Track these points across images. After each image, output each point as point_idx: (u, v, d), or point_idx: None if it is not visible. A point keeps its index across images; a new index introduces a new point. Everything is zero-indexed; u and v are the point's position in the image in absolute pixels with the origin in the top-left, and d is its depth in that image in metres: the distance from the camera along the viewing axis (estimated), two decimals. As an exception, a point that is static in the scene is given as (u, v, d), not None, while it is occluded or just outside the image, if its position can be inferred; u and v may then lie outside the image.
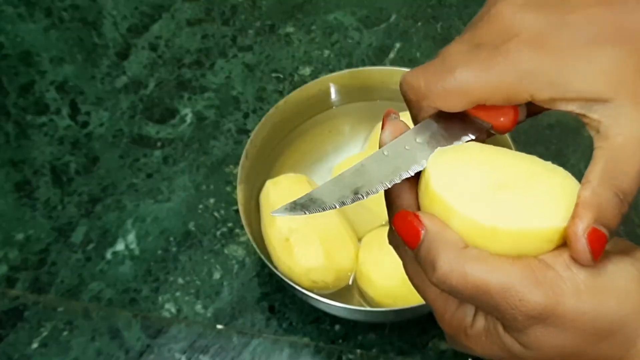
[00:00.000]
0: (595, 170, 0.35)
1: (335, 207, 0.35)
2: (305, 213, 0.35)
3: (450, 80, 0.36)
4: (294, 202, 0.35)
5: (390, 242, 0.39)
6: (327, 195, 0.35)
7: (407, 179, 0.37)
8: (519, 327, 0.33)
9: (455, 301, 0.36)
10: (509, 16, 0.36)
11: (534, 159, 0.38)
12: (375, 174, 0.37)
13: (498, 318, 0.34)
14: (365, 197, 0.36)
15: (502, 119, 0.37)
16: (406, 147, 0.38)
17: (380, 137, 0.38)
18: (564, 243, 0.34)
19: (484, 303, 0.33)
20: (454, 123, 0.38)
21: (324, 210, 0.35)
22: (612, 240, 0.35)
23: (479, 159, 0.36)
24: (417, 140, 0.38)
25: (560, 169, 0.37)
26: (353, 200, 0.35)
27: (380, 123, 0.75)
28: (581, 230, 0.33)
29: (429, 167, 0.36)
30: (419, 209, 0.36)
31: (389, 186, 0.36)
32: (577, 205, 0.34)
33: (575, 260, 0.33)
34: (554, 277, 0.33)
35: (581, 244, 0.33)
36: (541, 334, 0.33)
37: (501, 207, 0.34)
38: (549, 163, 0.37)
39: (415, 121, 0.39)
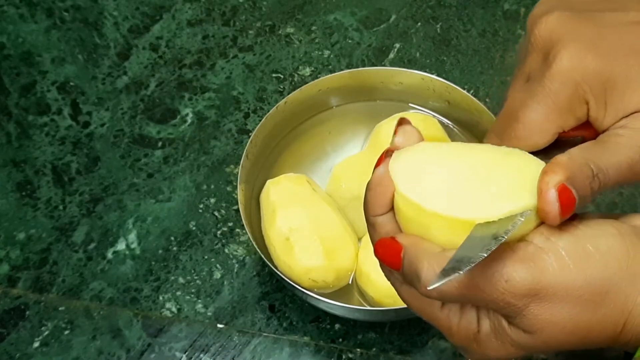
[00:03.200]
0: (582, 146, 0.35)
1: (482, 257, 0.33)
2: (459, 273, 0.32)
3: (519, 128, 0.37)
4: (444, 270, 0.32)
5: (385, 275, 0.39)
6: (472, 250, 0.33)
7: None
8: (516, 311, 0.33)
9: (455, 313, 0.36)
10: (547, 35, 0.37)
11: (488, 147, 0.38)
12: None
13: (496, 310, 0.34)
14: (505, 238, 0.33)
15: (589, 127, 0.38)
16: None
17: (372, 177, 0.37)
18: (541, 222, 0.34)
19: (477, 298, 0.33)
20: (552, 148, 0.38)
21: (474, 264, 0.33)
22: (591, 213, 0.36)
23: (438, 157, 0.37)
24: None
25: (517, 150, 0.37)
26: (496, 244, 0.33)
27: (380, 123, 0.76)
28: (552, 182, 0.33)
29: (392, 172, 0.36)
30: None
31: (522, 220, 0.34)
32: (550, 163, 0.34)
33: (544, 214, 0.33)
34: (534, 250, 0.33)
35: (551, 194, 0.33)
36: (538, 312, 0.33)
37: (469, 199, 0.34)
38: (503, 147, 0.37)
39: None
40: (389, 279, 0.39)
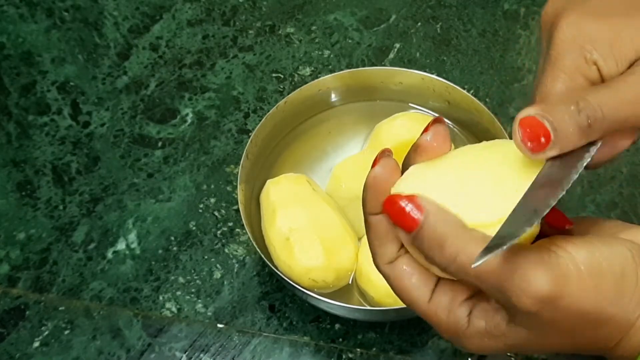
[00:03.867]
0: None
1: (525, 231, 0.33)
2: (503, 249, 0.32)
3: (538, 94, 0.37)
4: (488, 247, 0.32)
5: (375, 262, 0.39)
6: (514, 224, 0.33)
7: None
8: (525, 311, 0.33)
9: (444, 309, 0.36)
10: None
11: (485, 145, 0.38)
12: (544, 193, 0.35)
13: (502, 301, 0.34)
14: (548, 209, 0.34)
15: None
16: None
17: (369, 174, 0.38)
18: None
19: (489, 285, 0.33)
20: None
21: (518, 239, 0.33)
22: (602, 220, 0.36)
23: (441, 172, 0.37)
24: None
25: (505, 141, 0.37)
26: (538, 218, 0.33)
27: (380, 123, 0.76)
28: (523, 114, 0.34)
29: (405, 178, 0.37)
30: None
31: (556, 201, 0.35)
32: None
33: (519, 148, 0.34)
34: (558, 260, 0.33)
35: (515, 125, 0.34)
36: (547, 317, 0.33)
37: (479, 204, 0.34)
38: (496, 141, 0.38)
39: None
40: (377, 266, 0.38)
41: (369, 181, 0.37)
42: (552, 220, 0.36)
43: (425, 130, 0.38)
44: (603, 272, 0.33)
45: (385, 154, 0.38)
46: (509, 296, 0.33)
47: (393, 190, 0.36)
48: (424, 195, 0.35)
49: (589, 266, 0.33)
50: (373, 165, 0.38)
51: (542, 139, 0.34)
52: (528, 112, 0.34)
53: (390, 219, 0.36)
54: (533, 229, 0.34)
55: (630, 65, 0.36)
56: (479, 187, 0.35)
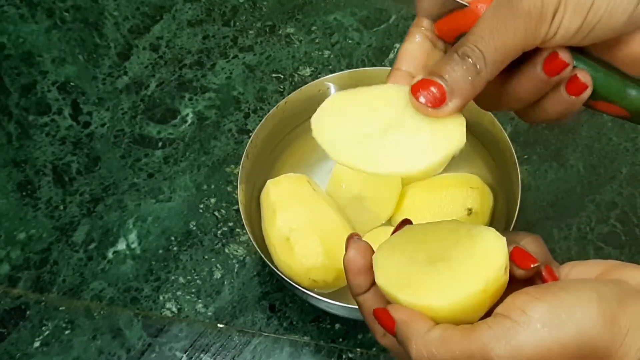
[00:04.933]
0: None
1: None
2: None
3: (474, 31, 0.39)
4: None
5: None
6: None
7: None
8: None
9: None
10: None
11: (459, 225, 0.40)
12: None
13: None
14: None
15: None
16: None
17: (344, 259, 0.41)
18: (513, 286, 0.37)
19: None
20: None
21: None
22: (593, 262, 0.38)
23: (412, 241, 0.40)
24: None
25: (482, 228, 0.39)
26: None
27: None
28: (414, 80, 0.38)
29: (374, 263, 0.40)
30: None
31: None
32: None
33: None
34: (511, 325, 0.34)
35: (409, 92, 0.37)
36: None
37: (436, 284, 0.37)
38: (470, 225, 0.40)
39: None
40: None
41: (345, 265, 0.41)
42: (517, 261, 0.38)
43: (347, 249, 0.42)
44: (563, 322, 0.34)
45: (354, 238, 0.42)
46: None
47: (377, 282, 0.39)
48: (396, 303, 0.39)
49: (547, 320, 0.34)
50: (346, 249, 0.41)
51: (435, 90, 0.37)
52: (416, 79, 0.37)
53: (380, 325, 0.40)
54: (502, 281, 0.36)
55: None
56: (433, 269, 0.38)
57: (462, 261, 0.37)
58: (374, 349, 0.67)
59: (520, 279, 0.38)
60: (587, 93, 0.38)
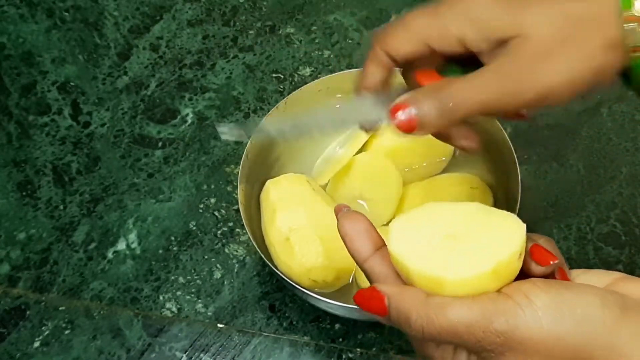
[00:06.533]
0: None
1: (273, 135, 0.40)
2: (248, 138, 0.39)
3: (399, 24, 0.45)
4: (238, 124, 0.39)
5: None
6: (271, 125, 0.42)
7: (376, 250, 0.40)
8: (494, 357, 0.35)
9: (449, 353, 0.38)
10: None
11: (480, 207, 0.41)
12: (323, 118, 0.46)
13: (475, 353, 0.36)
14: (302, 132, 0.42)
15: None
16: (359, 106, 0.46)
17: (339, 229, 0.42)
18: (521, 275, 0.37)
19: (458, 343, 0.36)
20: (401, 92, 0.45)
21: (260, 134, 0.41)
22: (600, 272, 0.38)
23: (432, 217, 0.40)
24: (368, 102, 0.47)
25: (503, 213, 0.40)
26: (291, 131, 0.42)
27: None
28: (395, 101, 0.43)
29: (390, 232, 0.39)
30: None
31: (332, 130, 0.41)
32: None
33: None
34: (512, 306, 0.35)
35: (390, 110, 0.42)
36: (512, 359, 0.35)
37: (452, 259, 0.37)
38: (492, 209, 0.40)
39: (365, 70, 0.49)
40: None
41: (342, 235, 0.41)
42: (537, 257, 0.38)
43: (338, 220, 0.43)
44: (563, 316, 0.34)
45: (342, 209, 0.42)
46: (475, 348, 0.35)
47: (390, 249, 0.39)
48: (386, 280, 0.39)
49: (547, 311, 0.34)
50: (337, 220, 0.42)
51: (410, 120, 0.43)
52: (400, 99, 0.43)
53: (362, 309, 0.40)
54: (514, 266, 0.36)
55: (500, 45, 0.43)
56: (449, 245, 0.38)
57: (479, 241, 0.37)
58: (374, 349, 0.67)
59: (537, 275, 0.38)
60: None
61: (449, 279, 0.36)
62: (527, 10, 0.42)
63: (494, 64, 0.42)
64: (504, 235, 0.37)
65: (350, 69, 0.83)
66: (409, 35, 0.45)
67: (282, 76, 0.84)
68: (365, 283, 0.65)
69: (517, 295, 0.35)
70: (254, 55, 0.86)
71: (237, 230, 0.74)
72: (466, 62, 0.45)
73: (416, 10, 0.45)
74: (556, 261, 0.37)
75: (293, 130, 0.39)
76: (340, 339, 0.68)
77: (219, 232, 0.74)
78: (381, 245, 0.40)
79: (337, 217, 0.42)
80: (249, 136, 0.38)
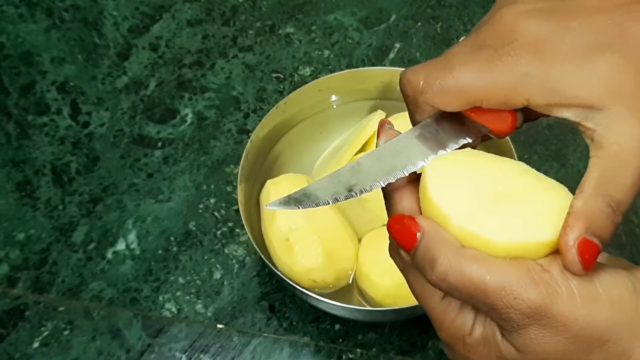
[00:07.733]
0: (589, 180, 0.35)
1: (329, 204, 0.36)
2: (298, 207, 0.36)
3: (449, 78, 0.36)
4: (289, 197, 0.36)
5: (391, 254, 0.39)
6: (322, 191, 0.37)
7: (408, 182, 0.37)
8: (515, 327, 0.33)
9: (454, 309, 0.36)
10: (511, 20, 0.36)
11: (527, 169, 0.38)
12: (370, 172, 0.38)
13: (494, 318, 0.34)
14: (358, 195, 0.37)
15: (499, 123, 0.38)
16: (403, 147, 0.38)
17: (377, 145, 0.39)
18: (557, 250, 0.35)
19: (480, 302, 0.34)
20: (453, 125, 0.38)
21: (317, 205, 0.36)
22: (612, 257, 0.36)
23: (475, 167, 0.37)
24: (414, 141, 0.38)
25: (553, 181, 0.37)
26: (346, 197, 0.36)
27: (363, 121, 0.75)
28: (572, 240, 0.33)
29: (427, 174, 0.36)
30: (420, 212, 0.37)
31: (383, 185, 0.37)
32: (568, 214, 0.34)
33: (569, 270, 0.33)
34: (549, 278, 0.33)
35: (571, 254, 0.33)
36: (535, 335, 0.33)
37: (495, 218, 0.35)
38: (540, 174, 0.38)
39: (413, 119, 0.39)
40: (392, 257, 0.39)
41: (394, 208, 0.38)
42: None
43: (378, 137, 0.39)
44: (598, 297, 0.33)
45: (385, 125, 0.39)
46: (499, 312, 0.33)
47: (429, 195, 0.36)
48: (424, 214, 0.36)
49: (584, 289, 0.33)
50: (378, 137, 0.39)
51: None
52: (577, 234, 0.34)
53: (391, 236, 0.36)
54: (551, 239, 0.34)
55: None
56: (509, 209, 0.35)
57: (529, 207, 0.35)
58: (374, 349, 0.67)
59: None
60: None
61: (496, 241, 0.34)
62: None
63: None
64: (557, 208, 0.35)
65: (350, 68, 0.83)
66: (459, 96, 0.37)
67: (282, 76, 0.84)
68: (365, 284, 0.65)
69: (554, 269, 0.34)
70: (254, 55, 0.86)
71: (237, 230, 0.74)
72: None
73: (461, 56, 0.37)
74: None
75: (348, 195, 0.37)
76: (340, 340, 0.68)
77: (219, 232, 0.74)
78: (413, 178, 0.38)
79: (378, 131, 0.39)
80: (302, 208, 0.37)
